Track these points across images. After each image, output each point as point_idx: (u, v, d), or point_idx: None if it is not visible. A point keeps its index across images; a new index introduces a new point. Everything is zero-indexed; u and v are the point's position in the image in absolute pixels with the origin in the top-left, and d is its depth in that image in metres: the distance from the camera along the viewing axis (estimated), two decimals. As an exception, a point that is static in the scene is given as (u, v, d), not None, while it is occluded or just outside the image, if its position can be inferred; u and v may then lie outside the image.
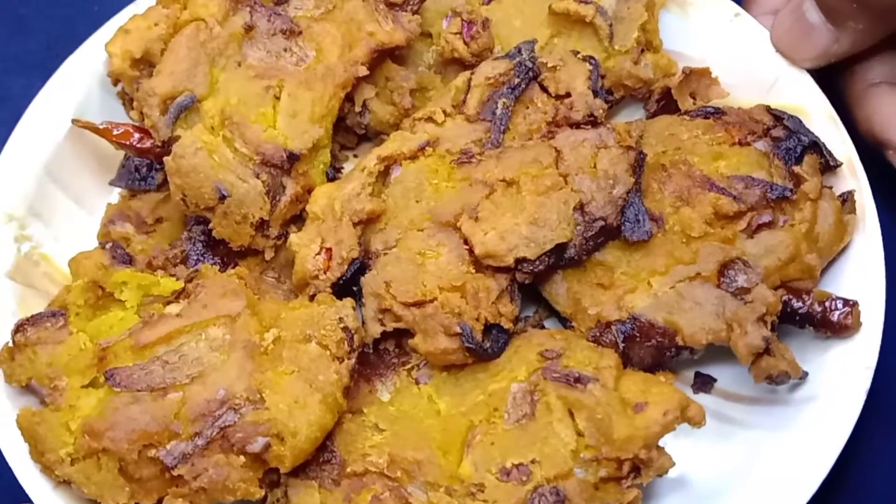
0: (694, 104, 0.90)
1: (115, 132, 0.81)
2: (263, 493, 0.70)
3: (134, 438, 0.68)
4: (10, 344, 0.74)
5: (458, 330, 0.75)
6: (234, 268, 0.80)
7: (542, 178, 0.80)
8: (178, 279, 0.77)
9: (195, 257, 0.82)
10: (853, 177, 0.85)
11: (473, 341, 0.75)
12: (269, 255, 0.82)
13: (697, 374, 0.82)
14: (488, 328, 0.77)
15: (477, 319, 0.76)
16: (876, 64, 0.89)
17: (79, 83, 0.88)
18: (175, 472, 0.68)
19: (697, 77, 0.92)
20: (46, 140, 0.87)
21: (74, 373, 0.72)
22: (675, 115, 0.89)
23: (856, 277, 0.81)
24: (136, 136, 0.82)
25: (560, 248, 0.79)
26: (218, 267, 0.80)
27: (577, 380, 0.73)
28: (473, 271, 0.78)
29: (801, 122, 0.86)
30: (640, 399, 0.73)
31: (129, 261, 0.81)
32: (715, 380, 0.82)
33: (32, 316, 0.75)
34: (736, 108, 0.88)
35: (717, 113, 0.87)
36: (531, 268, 0.78)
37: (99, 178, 0.88)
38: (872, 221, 0.83)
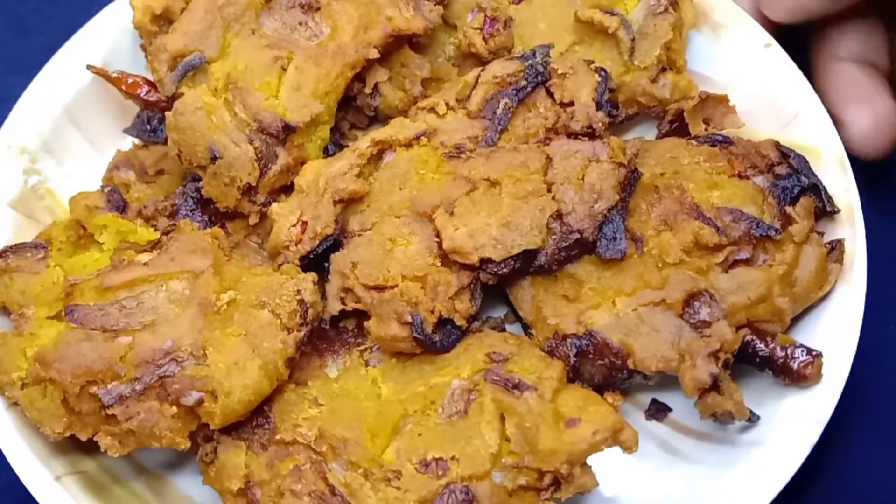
0: (706, 130, 0.89)
1: (126, 82, 0.85)
2: (189, 444, 0.72)
3: (79, 373, 0.71)
4: (-8, 267, 0.79)
5: (410, 319, 0.76)
6: (219, 227, 0.83)
7: (524, 183, 0.80)
8: (157, 230, 0.80)
9: (185, 212, 0.85)
10: (850, 226, 0.82)
11: (422, 332, 0.76)
12: (253, 219, 0.85)
13: (653, 402, 0.82)
14: (442, 322, 0.77)
15: (432, 312, 0.77)
16: (845, 38, 0.88)
17: (110, 32, 0.92)
18: (109, 411, 0.71)
19: (714, 103, 0.90)
20: (70, 83, 0.90)
21: (42, 304, 0.76)
22: (682, 139, 0.87)
23: (830, 329, 0.79)
24: (145, 88, 0.85)
25: (529, 255, 0.79)
26: (199, 225, 0.83)
27: (516, 386, 0.74)
28: (439, 264, 0.78)
29: (806, 162, 0.84)
30: (574, 415, 0.73)
31: (123, 206, 0.85)
32: (670, 409, 0.81)
33: (17, 244, 0.80)
34: (745, 140, 0.86)
35: (725, 142, 0.85)
36: (495, 269, 0.78)
37: (116, 124, 0.92)
38: (860, 274, 0.80)
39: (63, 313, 0.74)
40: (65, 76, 0.91)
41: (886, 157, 0.88)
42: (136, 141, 0.91)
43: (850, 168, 0.85)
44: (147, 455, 0.79)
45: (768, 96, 0.90)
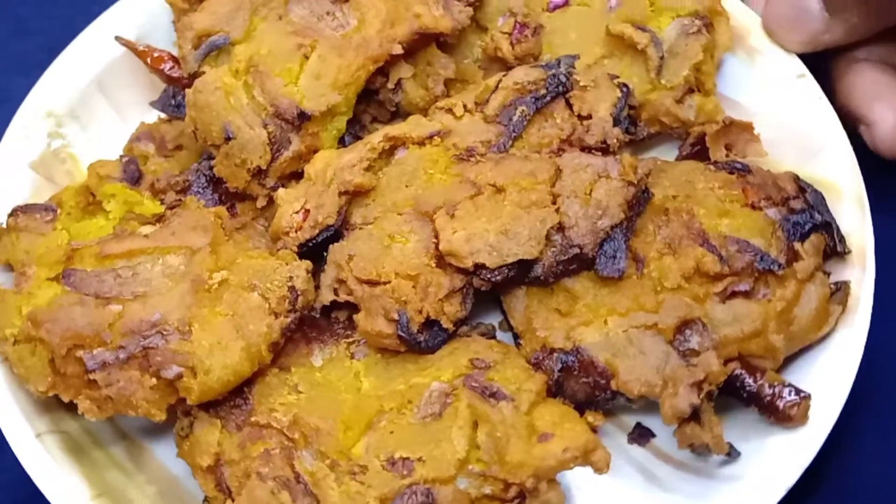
0: (727, 156, 0.88)
1: (153, 56, 0.86)
2: (164, 416, 0.73)
3: (67, 336, 0.73)
4: (3, 224, 0.81)
5: (396, 317, 0.76)
6: (228, 207, 0.85)
7: (529, 192, 0.79)
8: (164, 204, 0.82)
9: (196, 189, 0.86)
10: (860, 268, 0.80)
11: (407, 331, 0.76)
12: (261, 202, 0.86)
13: (638, 426, 0.81)
14: (429, 323, 0.77)
15: (420, 311, 0.77)
16: (864, 45, 0.88)
17: (148, 7, 0.94)
18: (91, 376, 0.72)
19: (738, 130, 0.89)
20: (103, 52, 0.92)
21: (44, 265, 0.77)
22: (701, 163, 0.86)
23: (824, 371, 0.77)
24: (170, 64, 0.86)
25: (525, 265, 0.78)
26: (209, 203, 0.84)
27: (493, 394, 0.73)
28: (433, 265, 0.78)
29: (822, 198, 0.82)
30: (548, 429, 0.72)
31: (137, 177, 0.87)
32: (654, 435, 0.80)
33: (28, 204, 0.82)
34: (764, 171, 0.84)
35: (743, 170, 0.84)
36: (489, 276, 0.78)
37: (145, 96, 0.93)
38: (863, 319, 0.78)
39: (61, 276, 0.76)
40: (99, 45, 0.92)
41: None
42: (162, 114, 0.93)
43: (868, 209, 0.83)
44: (129, 422, 0.80)
45: (795, 127, 0.88)
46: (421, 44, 0.88)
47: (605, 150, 0.83)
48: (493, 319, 0.84)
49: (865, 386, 0.80)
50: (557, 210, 0.79)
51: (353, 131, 0.89)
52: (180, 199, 0.81)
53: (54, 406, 0.78)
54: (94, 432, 0.80)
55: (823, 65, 0.92)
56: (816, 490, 0.82)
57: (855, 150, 0.86)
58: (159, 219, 0.80)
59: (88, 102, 0.92)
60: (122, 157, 0.89)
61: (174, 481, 0.79)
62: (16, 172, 0.87)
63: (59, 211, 0.81)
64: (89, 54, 0.92)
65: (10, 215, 0.81)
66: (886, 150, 0.86)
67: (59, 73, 0.91)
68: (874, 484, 0.83)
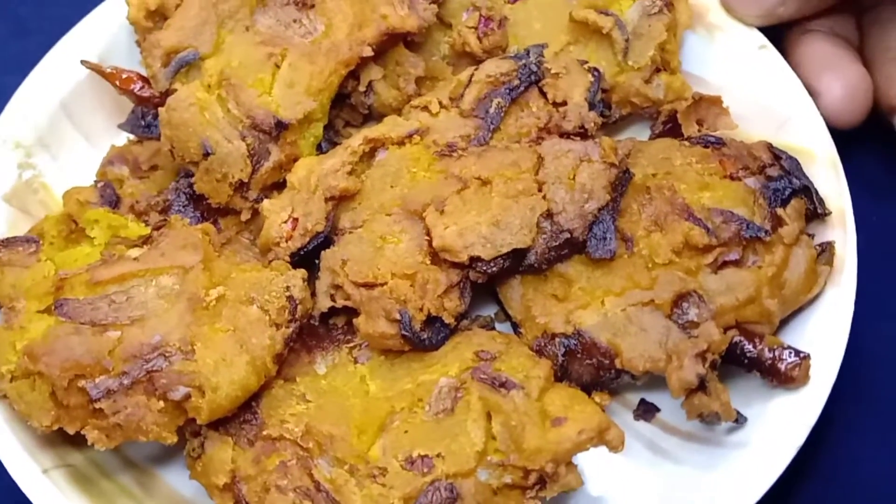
0: (699, 131, 0.89)
1: (121, 77, 0.85)
2: (175, 438, 0.73)
3: (67, 367, 0.71)
4: (-16, 261, 0.79)
5: (398, 316, 0.76)
6: (211, 223, 0.84)
7: (515, 182, 0.80)
8: (149, 226, 0.81)
9: (177, 208, 0.85)
10: (841, 229, 0.82)
11: (410, 330, 0.76)
12: (245, 216, 0.85)
13: (642, 402, 0.82)
14: (430, 320, 0.78)
15: (420, 310, 0.77)
16: (817, 17, 0.90)
17: (107, 28, 0.92)
18: (97, 405, 0.71)
19: (707, 105, 0.90)
20: (67, 77, 0.91)
21: (33, 297, 0.76)
22: (675, 140, 0.88)
23: (819, 331, 0.79)
24: (139, 84, 0.85)
25: (519, 254, 0.79)
26: (191, 220, 0.83)
27: (503, 384, 0.74)
28: (428, 262, 0.79)
29: (798, 164, 0.84)
30: (560, 414, 0.73)
31: (116, 201, 0.85)
32: (658, 410, 0.81)
33: (9, 238, 0.80)
34: (738, 142, 0.86)
35: (717, 143, 0.85)
36: (485, 268, 0.78)
37: (112, 119, 0.92)
38: (850, 277, 0.80)
39: (53, 307, 0.75)
40: (61, 71, 0.91)
41: (857, 125, 0.90)
42: (131, 136, 0.92)
43: (842, 171, 0.85)
44: (135, 449, 0.79)
45: (762, 98, 0.90)
46: (389, 44, 0.89)
47: (583, 134, 0.84)
48: (488, 311, 0.85)
49: (857, 382, 0.81)
50: (544, 197, 0.79)
51: (328, 136, 0.89)
52: (165, 220, 0.80)
53: (57, 440, 0.77)
54: (100, 463, 0.78)
55: (782, 37, 0.94)
56: (808, 480, 0.83)
57: (850, 156, 0.87)
58: (146, 240, 0.79)
59: (56, 130, 0.91)
60: (96, 182, 0.88)
61: (186, 504, 0.78)
62: (-11, 207, 0.86)
63: (41, 242, 0.80)
64: (52, 82, 0.91)
65: (-8, 250, 0.79)
66: (834, 119, 0.88)
67: (23, 103, 0.89)
68: (865, 474, 0.84)
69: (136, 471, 0.79)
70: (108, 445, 0.72)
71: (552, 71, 0.86)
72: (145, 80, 0.86)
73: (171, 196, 0.86)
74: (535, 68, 0.86)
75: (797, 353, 0.76)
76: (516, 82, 0.85)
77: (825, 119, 0.87)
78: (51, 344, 0.72)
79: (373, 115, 0.92)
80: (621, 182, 0.82)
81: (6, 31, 1.05)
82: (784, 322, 0.80)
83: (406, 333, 0.76)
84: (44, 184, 0.89)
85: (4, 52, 1.03)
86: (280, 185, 0.86)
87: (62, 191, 0.87)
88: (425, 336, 0.77)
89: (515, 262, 0.79)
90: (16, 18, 1.06)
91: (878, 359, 0.88)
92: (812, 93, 0.88)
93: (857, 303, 0.79)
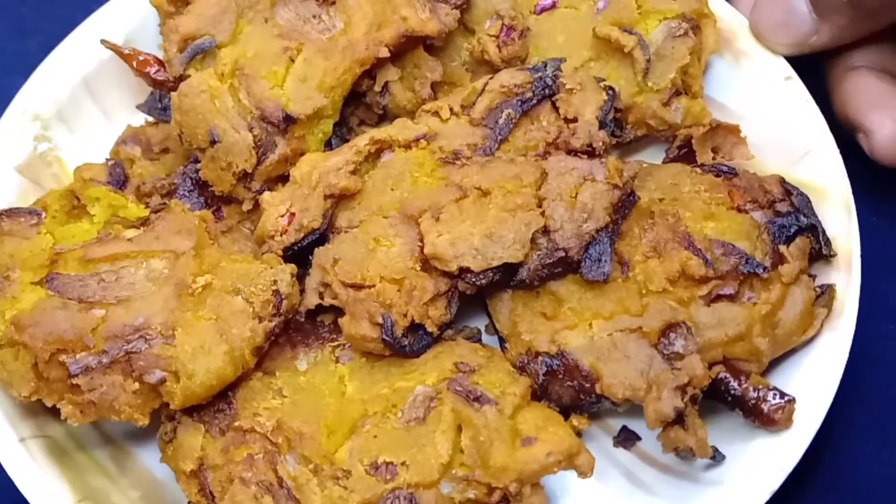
0: (714, 159, 0.87)
1: (138, 59, 0.86)
2: (147, 421, 0.73)
3: (50, 340, 0.73)
4: (-13, 228, 0.81)
5: (381, 320, 0.76)
6: (214, 210, 0.85)
7: (514, 196, 0.79)
8: (149, 208, 0.82)
9: (182, 192, 0.86)
10: (846, 272, 0.80)
11: (391, 335, 0.76)
12: (246, 206, 0.85)
13: (623, 429, 0.80)
14: (414, 327, 0.77)
15: (404, 315, 0.77)
16: (858, 50, 0.88)
17: (137, 9, 0.94)
18: (74, 381, 0.72)
19: (724, 133, 0.89)
20: (91, 55, 0.92)
21: (28, 268, 0.77)
22: (687, 166, 0.86)
23: (809, 375, 0.77)
24: (155, 67, 0.86)
25: (510, 268, 0.78)
26: (195, 206, 0.84)
27: (477, 398, 0.73)
28: (418, 269, 0.78)
29: (808, 201, 0.82)
30: (532, 433, 0.72)
31: (123, 181, 0.86)
32: (639, 438, 0.80)
33: (13, 208, 0.81)
34: (750, 173, 0.84)
35: (729, 173, 0.84)
36: (474, 280, 0.78)
37: (132, 99, 0.93)
38: (848, 322, 0.78)
39: (44, 280, 0.76)
40: (86, 48, 0.92)
41: None
42: (149, 118, 0.93)
43: (854, 212, 0.83)
44: (114, 426, 0.80)
45: (782, 130, 0.88)
46: (408, 46, 0.88)
47: (590, 153, 0.83)
48: (480, 323, 0.84)
49: (857, 383, 0.81)
50: (543, 213, 0.79)
51: (340, 134, 0.89)
52: (165, 203, 0.81)
53: (39, 411, 0.78)
54: (78, 437, 0.79)
55: (815, 68, 0.92)
56: (808, 488, 0.82)
57: (851, 155, 0.86)
58: (144, 222, 0.80)
59: (76, 105, 0.92)
60: (108, 160, 0.89)
61: (158, 486, 0.79)
62: (1, 176, 0.87)
63: (44, 215, 0.81)
64: (77, 57, 0.92)
65: (-4, 219, 0.81)
66: (884, 158, 0.86)
67: (46, 76, 0.91)
68: (865, 481, 0.84)
69: (112, 447, 0.80)
70: (81, 421, 0.73)
71: (567, 86, 0.85)
72: (162, 63, 0.87)
73: (178, 180, 0.87)
74: (549, 82, 0.85)
75: (782, 395, 0.75)
76: (529, 95, 0.84)
77: (875, 158, 0.86)
78: (37, 316, 0.74)
79: (387, 116, 0.92)
80: (624, 204, 0.81)
81: (6, 31, 1.05)
82: (775, 362, 0.78)
83: (387, 338, 0.76)
84: (58, 157, 0.91)
85: (4, 52, 1.04)
86: (285, 179, 0.86)
87: (75, 165, 0.88)
88: (406, 342, 0.77)
89: (506, 277, 0.79)
90: (16, 18, 1.06)
91: (879, 359, 0.87)
92: (862, 132, 0.86)
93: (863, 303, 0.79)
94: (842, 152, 0.85)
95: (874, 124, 0.86)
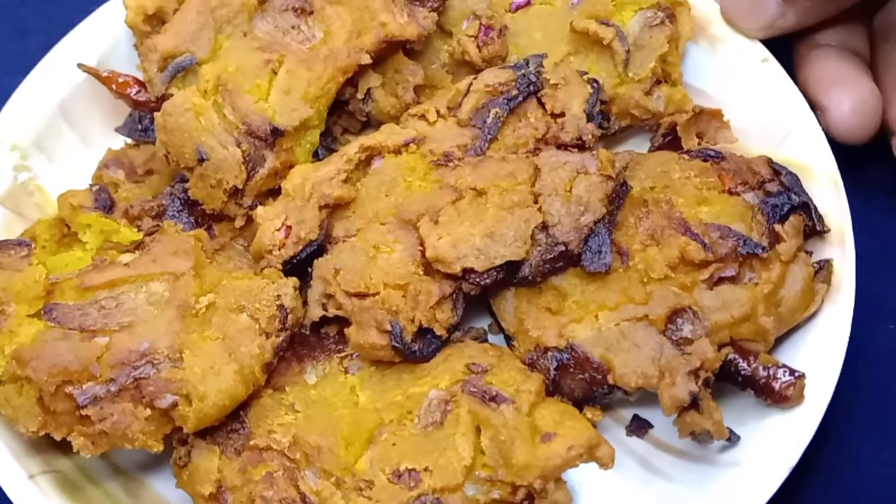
0: (699, 145, 0.88)
1: (117, 81, 0.85)
2: (161, 446, 0.72)
3: (55, 372, 0.71)
4: (-24, 264, 0.79)
5: (389, 327, 0.76)
6: (206, 229, 0.83)
7: (510, 193, 0.79)
8: (142, 231, 0.80)
9: (172, 213, 0.85)
10: (840, 247, 0.81)
11: (401, 341, 0.76)
12: (239, 222, 0.85)
13: (635, 418, 0.81)
14: (422, 331, 0.77)
15: (412, 321, 0.76)
16: (824, 30, 0.89)
17: (107, 31, 0.92)
18: (83, 412, 0.71)
19: (708, 118, 0.89)
20: (65, 81, 0.91)
21: (23, 301, 0.75)
22: (675, 153, 0.87)
23: (814, 350, 0.78)
24: (135, 88, 0.85)
25: (513, 266, 0.78)
26: (185, 226, 0.83)
27: (493, 398, 0.73)
28: (421, 273, 0.78)
29: (797, 180, 0.83)
30: (550, 429, 0.72)
31: (110, 206, 0.85)
32: (651, 426, 0.80)
33: (1, 241, 0.80)
34: (738, 156, 0.85)
35: (717, 157, 0.85)
36: (478, 280, 0.78)
37: (110, 122, 0.92)
38: (847, 295, 0.79)
39: (42, 312, 0.74)
40: (60, 73, 0.91)
41: (867, 141, 0.89)
42: (128, 140, 0.91)
43: (842, 188, 0.84)
44: (123, 456, 0.79)
45: (763, 112, 0.89)
46: (388, 52, 0.88)
47: (581, 146, 0.83)
48: (482, 323, 0.84)
49: (857, 383, 0.81)
50: (540, 209, 0.79)
51: (326, 143, 0.89)
52: (157, 225, 0.80)
53: (45, 446, 0.76)
54: (88, 469, 0.78)
55: (787, 49, 0.93)
56: (808, 487, 0.83)
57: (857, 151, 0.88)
58: (138, 246, 0.78)
59: (53, 133, 0.90)
60: (92, 185, 0.87)
61: (174, 512, 0.78)
62: (-17, 209, 0.86)
63: (33, 245, 0.79)
64: (51, 84, 0.91)
65: (-17, 253, 0.79)
66: (840, 135, 0.87)
67: (20, 105, 0.89)
68: (865, 481, 0.84)
69: (123, 477, 0.79)
70: (94, 452, 0.71)
71: (551, 81, 0.85)
72: (142, 84, 0.86)
73: (166, 201, 0.86)
74: (533, 78, 0.85)
75: (792, 371, 0.75)
76: (515, 92, 0.85)
77: (832, 136, 0.86)
78: (39, 349, 0.72)
79: (371, 123, 0.91)
80: (618, 195, 0.81)
81: (6, 31, 1.05)
82: (780, 340, 0.79)
83: (397, 345, 0.76)
84: (39, 186, 0.89)
85: (4, 52, 1.03)
86: (275, 192, 0.85)
87: (58, 193, 0.86)
88: (416, 348, 0.77)
89: (509, 275, 0.79)
90: (16, 18, 1.06)
91: (879, 359, 0.88)
92: (820, 109, 0.87)
93: (857, 303, 0.79)
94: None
95: (832, 101, 0.87)
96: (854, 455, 0.84)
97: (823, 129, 0.87)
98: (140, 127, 0.90)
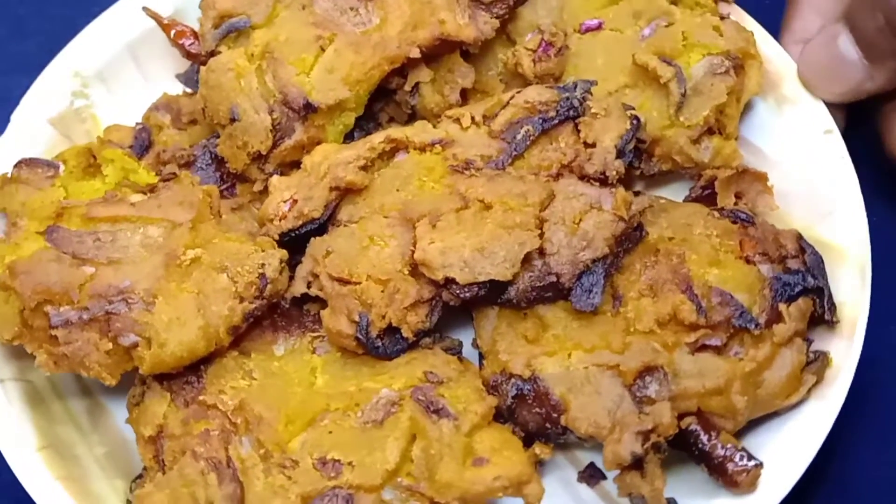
0: (735, 205, 0.85)
1: (176, 29, 0.88)
2: (115, 381, 0.75)
3: (38, 290, 0.75)
4: (7, 174, 0.84)
5: (357, 319, 0.76)
6: (228, 187, 0.86)
7: (515, 213, 0.78)
8: (161, 176, 0.83)
9: (200, 165, 0.88)
10: (847, 341, 0.77)
11: (365, 334, 0.76)
12: (258, 186, 0.86)
13: (590, 465, 0.79)
14: (391, 330, 0.77)
15: (382, 317, 0.77)
16: None
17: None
18: (53, 332, 0.74)
19: (751, 179, 0.86)
20: (139, 21, 0.94)
21: (35, 218, 0.80)
22: (705, 207, 0.84)
23: (787, 441, 0.74)
24: (191, 39, 0.88)
25: (497, 285, 0.77)
26: (209, 180, 0.85)
27: (437, 411, 0.73)
28: (406, 273, 0.78)
29: (821, 262, 0.79)
30: (485, 454, 0.71)
31: (147, 146, 0.88)
32: (605, 477, 0.78)
33: (33, 158, 0.84)
34: (769, 224, 0.82)
35: (746, 221, 0.81)
36: (458, 292, 0.77)
37: (175, 68, 0.95)
38: (839, 393, 0.74)
39: (45, 231, 0.78)
40: (136, 12, 0.94)
41: None
42: (187, 89, 0.95)
43: (869, 280, 0.79)
44: (96, 381, 0.82)
45: (813, 184, 0.84)
46: (443, 50, 0.88)
47: (603, 180, 0.81)
48: (468, 335, 0.83)
49: (863, 385, 0.78)
50: (541, 235, 0.77)
51: (367, 128, 0.89)
52: (174, 174, 0.83)
53: (24, 354, 0.80)
54: (58, 385, 0.82)
55: (864, 123, 0.88)
56: (811, 490, 0.80)
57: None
58: (151, 189, 0.81)
59: (118, 67, 0.94)
60: (137, 124, 0.91)
61: (126, 446, 0.81)
62: (33, 125, 0.90)
63: (62, 168, 0.83)
64: (125, 21, 0.94)
65: (16, 166, 0.84)
66: None
67: (91, 36, 0.93)
68: (869, 484, 0.82)
69: (90, 401, 0.82)
70: (53, 371, 0.75)
71: (592, 110, 0.83)
72: (198, 36, 0.88)
73: (198, 152, 0.88)
74: (576, 104, 0.83)
75: (751, 458, 0.72)
76: (552, 114, 0.83)
77: None
78: (32, 265, 0.76)
79: (416, 116, 0.92)
80: (629, 238, 0.79)
81: (6, 31, 1.04)
82: (755, 422, 0.75)
83: (360, 337, 0.76)
84: (93, 115, 0.93)
85: (4, 52, 1.04)
86: (299, 165, 0.87)
87: (108, 125, 0.90)
88: (380, 344, 0.77)
89: (493, 293, 0.78)
90: (16, 18, 1.06)
91: (886, 364, 0.85)
92: None
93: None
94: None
95: None
96: (858, 457, 0.83)
97: None
98: (196, 78, 0.93)
